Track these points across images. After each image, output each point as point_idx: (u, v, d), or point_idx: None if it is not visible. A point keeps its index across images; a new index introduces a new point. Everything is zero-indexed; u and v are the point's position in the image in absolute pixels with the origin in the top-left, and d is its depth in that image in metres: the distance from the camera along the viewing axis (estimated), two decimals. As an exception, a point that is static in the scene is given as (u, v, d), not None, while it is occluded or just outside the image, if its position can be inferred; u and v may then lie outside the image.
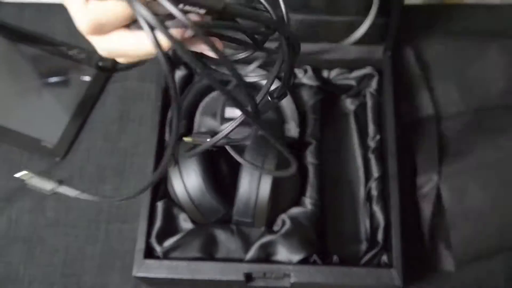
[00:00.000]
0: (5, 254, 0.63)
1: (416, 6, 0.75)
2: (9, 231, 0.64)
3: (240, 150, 0.59)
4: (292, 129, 0.62)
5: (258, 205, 0.55)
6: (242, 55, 0.40)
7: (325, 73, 0.67)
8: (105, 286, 0.61)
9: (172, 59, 0.66)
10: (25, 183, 0.41)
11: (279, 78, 0.39)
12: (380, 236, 0.59)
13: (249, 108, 0.36)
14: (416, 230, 0.63)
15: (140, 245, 0.56)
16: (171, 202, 0.59)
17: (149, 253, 0.57)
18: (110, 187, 0.65)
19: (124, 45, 0.34)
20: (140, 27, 0.30)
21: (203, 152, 0.56)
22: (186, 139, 0.55)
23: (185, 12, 0.30)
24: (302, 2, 0.62)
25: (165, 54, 0.30)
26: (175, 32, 0.33)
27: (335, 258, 0.58)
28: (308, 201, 0.60)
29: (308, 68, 0.66)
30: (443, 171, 0.63)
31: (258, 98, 0.38)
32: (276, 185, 0.55)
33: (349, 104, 0.69)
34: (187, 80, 0.67)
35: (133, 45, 0.34)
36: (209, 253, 0.58)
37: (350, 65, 0.67)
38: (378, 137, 0.64)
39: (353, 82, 0.67)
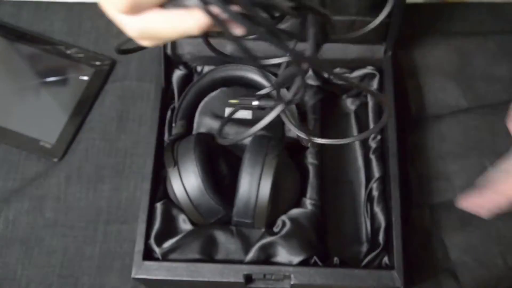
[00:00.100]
0: (3, 255, 0.62)
1: (417, 5, 0.75)
2: (6, 232, 0.63)
3: (240, 150, 0.59)
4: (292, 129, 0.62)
5: (258, 206, 0.55)
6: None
7: (325, 73, 0.67)
8: (104, 288, 0.61)
9: (172, 59, 0.66)
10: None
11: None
12: (381, 237, 0.58)
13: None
14: (417, 230, 0.62)
15: (139, 246, 0.56)
16: (170, 203, 0.59)
17: (148, 254, 0.57)
18: (109, 187, 0.65)
19: (158, 25, 0.34)
20: (176, 6, 0.29)
21: (203, 152, 0.56)
22: (232, 101, 0.54)
23: None
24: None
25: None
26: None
27: (335, 259, 0.57)
28: (308, 202, 0.59)
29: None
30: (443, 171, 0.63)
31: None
32: (276, 185, 0.55)
33: (350, 104, 0.69)
34: (187, 80, 0.66)
35: (168, 24, 0.33)
36: (208, 254, 0.58)
37: (350, 65, 0.67)
38: (379, 137, 0.64)
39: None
